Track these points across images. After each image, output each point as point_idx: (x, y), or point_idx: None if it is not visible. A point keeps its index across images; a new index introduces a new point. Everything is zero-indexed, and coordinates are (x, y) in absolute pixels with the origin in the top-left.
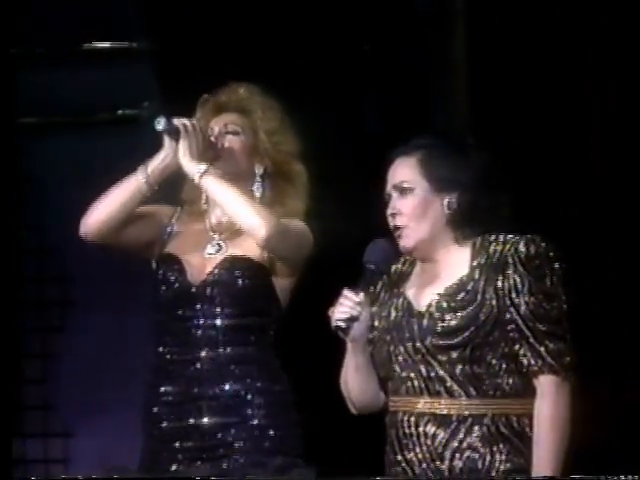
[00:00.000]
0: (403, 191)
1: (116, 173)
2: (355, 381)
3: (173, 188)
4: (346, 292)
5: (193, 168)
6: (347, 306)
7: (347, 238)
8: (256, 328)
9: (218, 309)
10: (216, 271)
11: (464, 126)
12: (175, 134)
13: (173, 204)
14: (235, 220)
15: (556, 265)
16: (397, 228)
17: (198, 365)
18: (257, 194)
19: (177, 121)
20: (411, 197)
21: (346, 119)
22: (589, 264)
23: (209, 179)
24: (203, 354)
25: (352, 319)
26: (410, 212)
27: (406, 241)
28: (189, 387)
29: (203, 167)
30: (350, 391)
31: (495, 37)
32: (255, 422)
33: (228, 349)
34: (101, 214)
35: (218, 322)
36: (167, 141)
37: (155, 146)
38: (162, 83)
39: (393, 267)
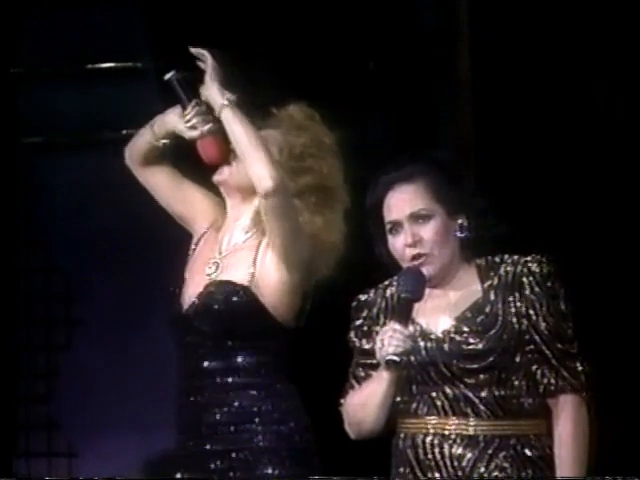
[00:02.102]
0: (422, 219)
1: (121, 192)
2: (377, 410)
3: None
4: (395, 325)
5: (218, 97)
6: (399, 339)
7: (355, 256)
8: (248, 354)
9: (205, 338)
10: (199, 297)
11: (469, 142)
12: (183, 86)
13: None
14: (245, 163)
15: (563, 283)
16: (418, 256)
17: (198, 395)
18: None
19: (196, 50)
20: (431, 224)
21: (351, 136)
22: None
23: (234, 113)
24: (198, 383)
25: (406, 353)
26: (433, 238)
27: (430, 268)
28: (193, 416)
29: (231, 97)
30: (364, 419)
31: (499, 54)
32: (255, 451)
33: (219, 377)
34: (135, 143)
35: (203, 350)
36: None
37: None
38: (166, 102)
39: (388, 292)
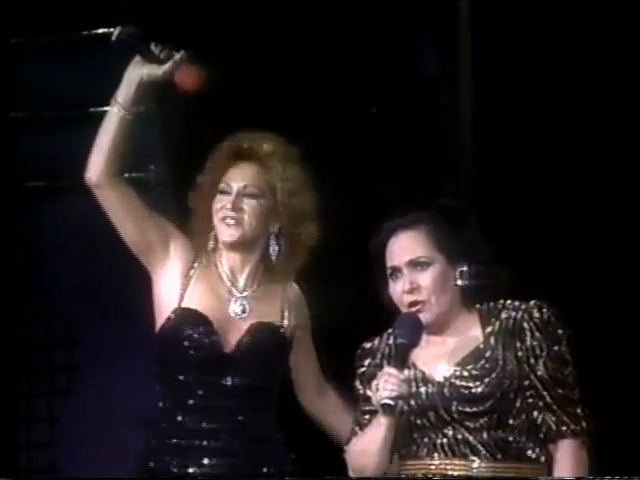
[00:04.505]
0: (421, 266)
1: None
2: (378, 456)
3: None
4: (390, 370)
5: None
6: (394, 384)
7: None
8: (269, 390)
9: (245, 376)
10: (245, 339)
11: (470, 190)
12: (135, 37)
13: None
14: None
15: (565, 330)
16: (416, 303)
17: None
18: (273, 255)
19: None
20: (430, 271)
21: (353, 182)
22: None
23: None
24: (225, 426)
25: (400, 397)
26: (431, 286)
27: (427, 315)
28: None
29: None
30: (366, 465)
31: (501, 101)
32: None
33: (246, 416)
34: (96, 154)
35: (243, 388)
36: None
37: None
38: (167, 145)
39: (392, 339)
